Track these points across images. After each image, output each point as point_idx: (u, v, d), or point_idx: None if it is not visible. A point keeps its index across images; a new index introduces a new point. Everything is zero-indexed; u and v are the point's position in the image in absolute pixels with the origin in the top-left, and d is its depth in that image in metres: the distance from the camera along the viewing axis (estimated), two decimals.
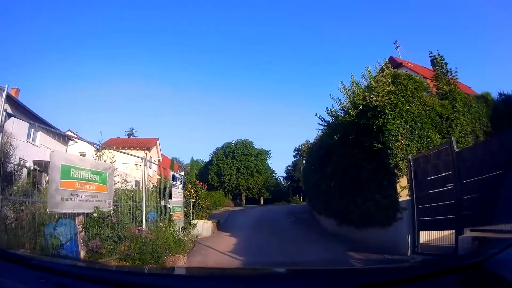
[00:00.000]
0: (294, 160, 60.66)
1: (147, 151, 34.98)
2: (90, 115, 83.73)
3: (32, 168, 10.72)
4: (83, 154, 22.68)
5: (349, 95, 8.83)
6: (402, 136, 8.14)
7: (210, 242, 11.04)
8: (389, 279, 1.34)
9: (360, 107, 8.43)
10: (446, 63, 11.50)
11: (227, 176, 52.26)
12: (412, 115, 8.45)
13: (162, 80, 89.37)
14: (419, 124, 8.46)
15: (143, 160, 9.53)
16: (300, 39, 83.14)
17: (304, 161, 35.47)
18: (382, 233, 8.18)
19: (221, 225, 15.48)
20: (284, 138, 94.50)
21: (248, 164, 52.70)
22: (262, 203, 53.63)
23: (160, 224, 9.69)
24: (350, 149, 8.51)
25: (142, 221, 8.92)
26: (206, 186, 16.08)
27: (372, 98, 8.40)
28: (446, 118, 9.14)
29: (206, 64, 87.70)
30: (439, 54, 11.68)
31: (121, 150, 12.55)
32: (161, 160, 40.15)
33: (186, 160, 67.48)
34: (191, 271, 2.71)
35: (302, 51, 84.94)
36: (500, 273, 1.21)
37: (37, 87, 73.90)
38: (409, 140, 8.17)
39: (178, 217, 11.67)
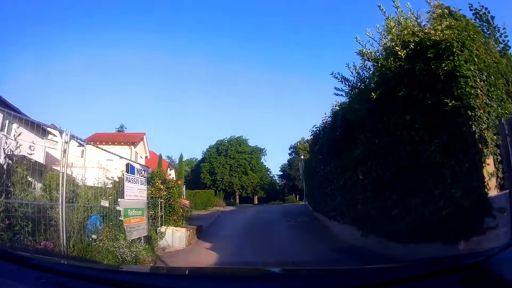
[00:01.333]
0: (290, 158, 57.26)
1: (132, 147, 31.21)
2: (81, 111, 79.08)
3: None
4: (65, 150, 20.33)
5: (393, 28, 5.32)
6: (481, 91, 4.74)
7: (179, 261, 7.48)
8: (389, 279, 1.30)
9: (412, 46, 4.99)
10: (493, 17, 8.25)
11: (220, 174, 48.59)
12: (484, 63, 5.09)
13: (156, 76, 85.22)
14: (492, 78, 5.11)
15: (63, 136, 5.98)
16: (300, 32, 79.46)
17: (301, 158, 31.94)
18: (451, 252, 4.73)
19: (203, 232, 11.89)
20: (278, 137, 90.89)
21: (242, 162, 49.08)
22: (256, 202, 50.11)
23: (93, 236, 6.16)
24: (396, 116, 5.05)
25: (61, 231, 5.55)
26: (180, 182, 12.36)
27: (428, 33, 4.98)
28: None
29: (203, 62, 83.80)
30: (482, 6, 8.38)
31: (98, 146, 8.98)
32: (148, 157, 36.25)
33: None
34: (191, 271, 2.33)
35: (301, 44, 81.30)
36: (500, 273, 1.16)
37: (26, 80, 69.41)
38: (488, 98, 4.79)
39: (137, 224, 8.11)
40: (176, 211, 9.82)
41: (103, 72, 78.44)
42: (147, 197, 9.03)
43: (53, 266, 1.65)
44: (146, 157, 36.10)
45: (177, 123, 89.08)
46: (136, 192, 8.27)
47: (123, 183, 7.82)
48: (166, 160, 58.00)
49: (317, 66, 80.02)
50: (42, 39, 69.82)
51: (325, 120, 10.77)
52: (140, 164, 9.21)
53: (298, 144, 60.45)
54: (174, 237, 8.97)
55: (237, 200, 49.34)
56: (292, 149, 60.12)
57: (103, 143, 31.99)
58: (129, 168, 8.11)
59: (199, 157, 58.96)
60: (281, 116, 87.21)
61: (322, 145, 9.29)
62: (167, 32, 77.33)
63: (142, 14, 76.28)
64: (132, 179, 8.17)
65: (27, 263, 1.59)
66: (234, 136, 52.20)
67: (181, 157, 33.67)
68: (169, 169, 43.23)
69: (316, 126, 10.64)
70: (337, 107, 10.06)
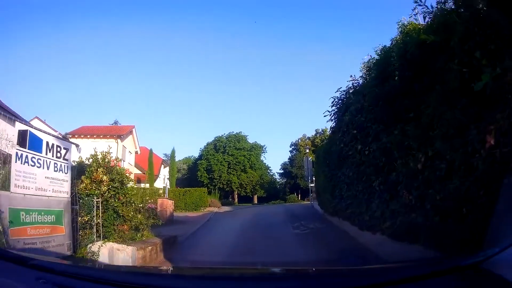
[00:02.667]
0: (291, 156, 53.60)
1: (118, 140, 27.50)
2: (76, 107, 75.03)
3: None
4: None
5: None
6: None
7: None
8: (389, 279, 1.26)
9: None
10: None
11: (217, 172, 44.77)
12: None
13: (152, 71, 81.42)
14: None
15: None
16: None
17: (307, 151, 28.20)
18: None
19: (179, 246, 8.18)
20: (278, 136, 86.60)
21: (241, 159, 45.24)
22: (256, 202, 46.43)
23: None
24: None
25: None
26: (129, 172, 8.45)
27: None
28: None
29: (202, 56, 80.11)
30: None
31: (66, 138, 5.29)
32: (139, 153, 32.57)
33: (178, 157, 60.12)
34: (191, 271, 2.31)
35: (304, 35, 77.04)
36: (500, 273, 1.13)
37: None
38: None
39: (43, 237, 4.47)
40: (125, 218, 6.06)
41: (98, 67, 74.78)
42: (74, 194, 5.37)
43: (53, 266, 1.61)
44: (136, 152, 32.43)
45: (175, 121, 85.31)
46: (42, 183, 4.58)
47: (10, 165, 4.18)
48: (163, 158, 54.70)
49: (319, 60, 76.47)
50: (28, 26, 66.23)
51: (353, 84, 7.12)
52: (57, 137, 5.46)
53: (300, 141, 56.87)
54: (114, 261, 5.27)
55: (236, 200, 45.66)
56: (293, 146, 56.54)
57: (88, 136, 28.49)
58: (28, 140, 4.43)
59: (197, 155, 55.37)
60: (280, 114, 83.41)
61: (359, 112, 5.61)
62: (163, 22, 73.68)
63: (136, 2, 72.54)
64: (34, 160, 4.50)
65: (27, 263, 1.56)
66: (233, 132, 48.47)
67: (173, 152, 30.15)
68: (163, 166, 39.71)
69: (342, 89, 7.01)
70: (375, 57, 6.41)
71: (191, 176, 49.73)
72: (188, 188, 21.82)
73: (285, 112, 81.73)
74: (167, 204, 13.84)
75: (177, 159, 59.44)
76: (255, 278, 1.66)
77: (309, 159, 21.18)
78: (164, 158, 54.17)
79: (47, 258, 1.99)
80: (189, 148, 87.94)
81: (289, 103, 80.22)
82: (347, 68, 62.05)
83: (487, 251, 1.28)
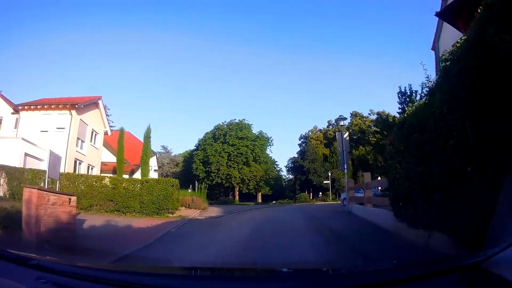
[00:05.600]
0: (301, 149, 44.97)
1: (73, 111, 19.34)
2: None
3: None
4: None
5: None
6: None
7: None
8: (389, 279, 1.21)
9: None
10: None
11: (215, 164, 36.34)
12: None
13: (150, 56, 73.75)
14: None
15: None
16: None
17: (341, 125, 19.39)
18: None
19: None
20: (283, 135, 77.87)
21: (243, 150, 36.70)
22: (260, 201, 37.96)
23: None
24: None
25: None
26: None
27: None
28: None
29: (203, 52, 72.25)
30: None
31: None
32: (109, 134, 24.45)
33: (177, 150, 52.07)
34: (191, 271, 2.14)
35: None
36: (500, 273, 1.09)
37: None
38: None
39: None
40: None
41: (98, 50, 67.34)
42: None
43: (53, 266, 1.55)
44: (105, 133, 24.16)
45: (178, 114, 77.31)
46: None
47: None
48: (162, 151, 46.41)
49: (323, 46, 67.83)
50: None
51: None
52: None
53: (310, 133, 48.34)
54: None
55: (237, 197, 37.28)
56: (302, 139, 47.96)
57: (39, 107, 20.51)
58: None
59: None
60: (286, 111, 74.64)
61: None
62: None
63: None
64: None
65: (27, 263, 1.52)
66: (235, 119, 39.96)
67: (148, 131, 21.09)
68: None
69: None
70: None
71: (186, 169, 41.60)
72: (147, 179, 13.28)
73: (290, 110, 73.31)
74: (40, 202, 5.47)
75: (176, 152, 51.25)
76: (256, 278, 1.62)
77: (345, 136, 12.81)
78: (161, 150, 45.72)
79: (47, 258, 1.77)
80: (191, 141, 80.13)
81: (295, 98, 71.69)
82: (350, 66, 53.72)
83: (487, 251, 1.23)
